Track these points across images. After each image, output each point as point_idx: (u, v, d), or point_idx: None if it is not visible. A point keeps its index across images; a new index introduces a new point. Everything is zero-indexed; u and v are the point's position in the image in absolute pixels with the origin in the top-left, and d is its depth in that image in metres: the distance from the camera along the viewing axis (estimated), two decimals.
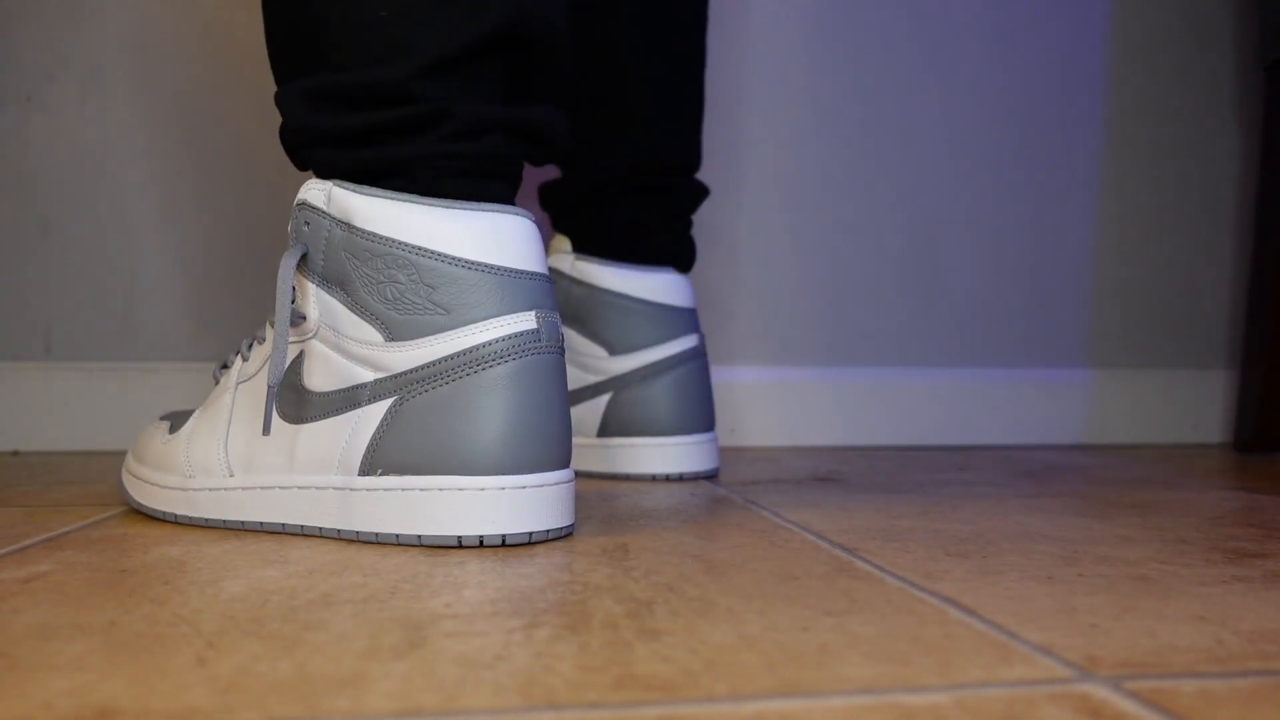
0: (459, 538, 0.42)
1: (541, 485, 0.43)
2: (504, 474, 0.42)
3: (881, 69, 0.96)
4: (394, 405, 0.43)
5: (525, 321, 0.43)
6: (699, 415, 0.69)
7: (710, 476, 0.69)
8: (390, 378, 0.43)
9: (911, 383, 0.97)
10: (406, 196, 0.43)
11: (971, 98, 0.98)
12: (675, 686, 0.26)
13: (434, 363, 0.42)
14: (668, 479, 0.67)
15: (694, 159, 0.72)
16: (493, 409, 0.42)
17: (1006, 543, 0.46)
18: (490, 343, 0.42)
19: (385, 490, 0.43)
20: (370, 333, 0.43)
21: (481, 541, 0.42)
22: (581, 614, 0.32)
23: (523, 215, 0.45)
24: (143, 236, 0.86)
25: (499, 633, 0.30)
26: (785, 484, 0.66)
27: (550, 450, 0.43)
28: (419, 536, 0.42)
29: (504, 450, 0.42)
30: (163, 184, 0.86)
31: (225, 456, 0.48)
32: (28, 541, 0.44)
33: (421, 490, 0.42)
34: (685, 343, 0.69)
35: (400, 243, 0.43)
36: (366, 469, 0.43)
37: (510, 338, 0.42)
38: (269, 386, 0.45)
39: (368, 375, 0.44)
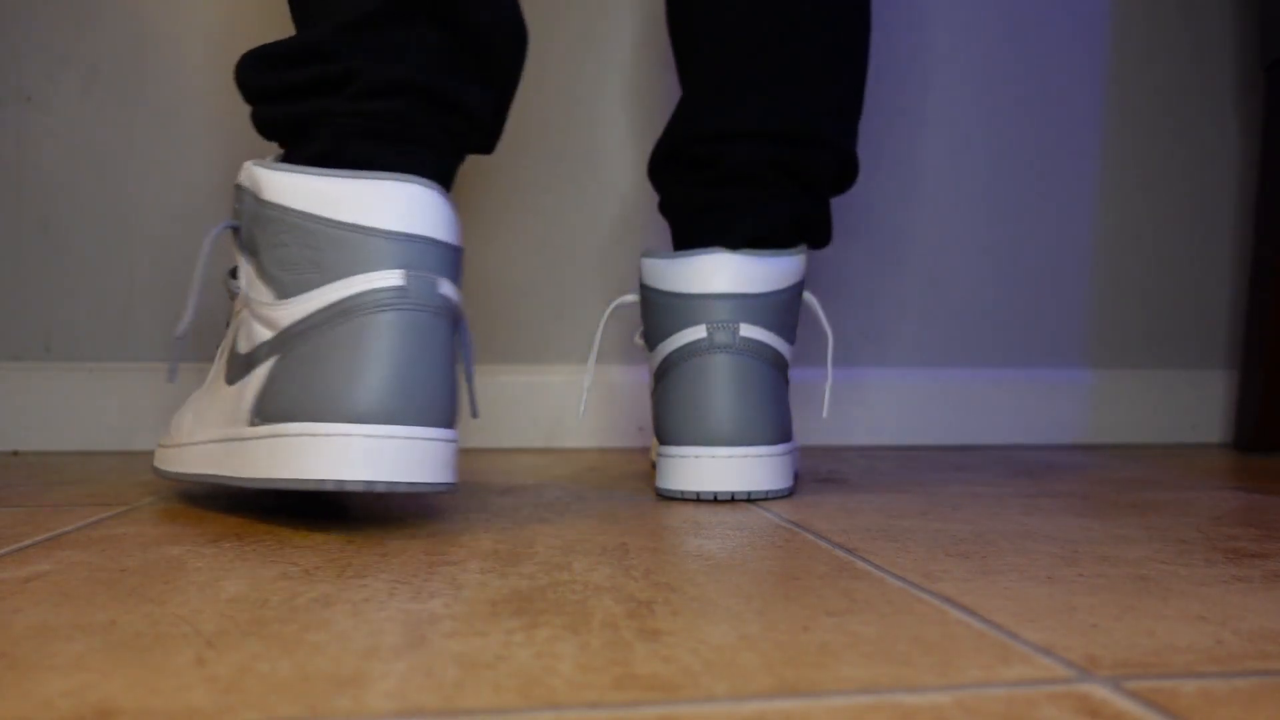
0: (319, 481, 0.43)
1: (392, 437, 0.44)
2: (369, 422, 0.43)
3: (881, 69, 0.96)
4: (278, 361, 0.46)
5: (390, 279, 0.44)
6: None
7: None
8: (277, 335, 0.46)
9: (912, 382, 0.97)
10: (304, 169, 0.46)
11: (971, 97, 0.98)
12: (675, 686, 0.26)
13: (305, 318, 0.45)
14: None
15: (747, 123, 0.61)
16: (342, 362, 0.44)
17: (1006, 543, 0.46)
18: (350, 298, 0.44)
19: (259, 439, 0.45)
20: (268, 294, 0.47)
21: (342, 487, 0.43)
22: (581, 614, 0.32)
23: (411, 180, 0.45)
24: (143, 236, 0.86)
25: (499, 633, 0.30)
26: None
27: (405, 404, 0.44)
28: (284, 480, 0.44)
29: (366, 398, 0.43)
30: (163, 184, 0.86)
31: (191, 417, 0.52)
32: (28, 541, 0.44)
33: (287, 437, 0.44)
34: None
35: (288, 209, 0.45)
36: (252, 420, 0.46)
37: (369, 293, 0.44)
38: (175, 338, 0.51)
39: (265, 335, 0.47)
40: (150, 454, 0.83)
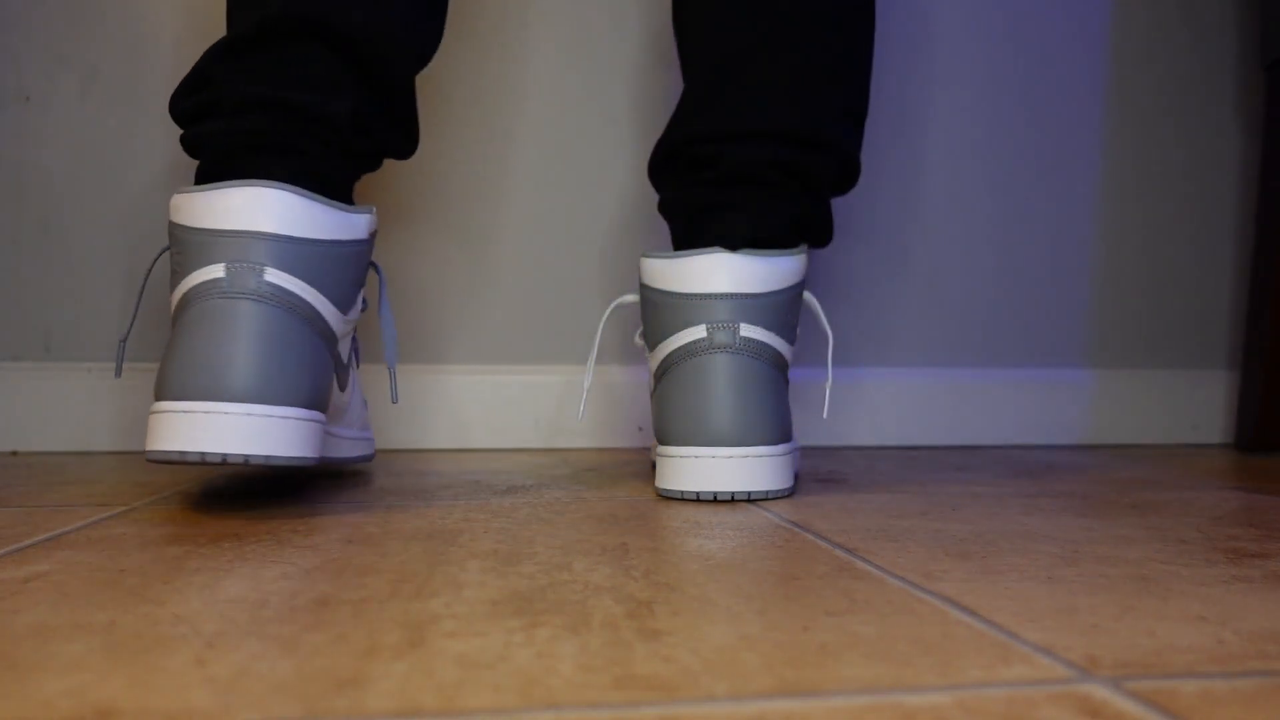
0: (152, 453, 0.48)
1: (198, 412, 0.48)
2: (170, 400, 0.48)
3: (881, 68, 0.96)
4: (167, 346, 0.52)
5: (213, 272, 0.50)
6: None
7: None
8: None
9: (912, 382, 0.97)
10: (184, 189, 0.52)
11: (971, 97, 0.98)
12: (675, 686, 0.26)
13: (173, 312, 0.52)
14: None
15: (741, 125, 0.61)
16: (174, 348, 0.49)
17: (1007, 543, 0.46)
18: (187, 292, 0.50)
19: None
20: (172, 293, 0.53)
21: (164, 459, 0.48)
22: (581, 614, 0.32)
23: (247, 184, 0.50)
24: (143, 236, 0.86)
25: (499, 633, 0.30)
26: None
27: (209, 381, 0.48)
28: (147, 454, 0.49)
29: (169, 381, 0.48)
30: (162, 184, 0.86)
31: None
32: (27, 541, 0.44)
33: (150, 415, 0.51)
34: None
35: (170, 222, 0.52)
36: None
37: (196, 287, 0.50)
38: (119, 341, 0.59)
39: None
40: None
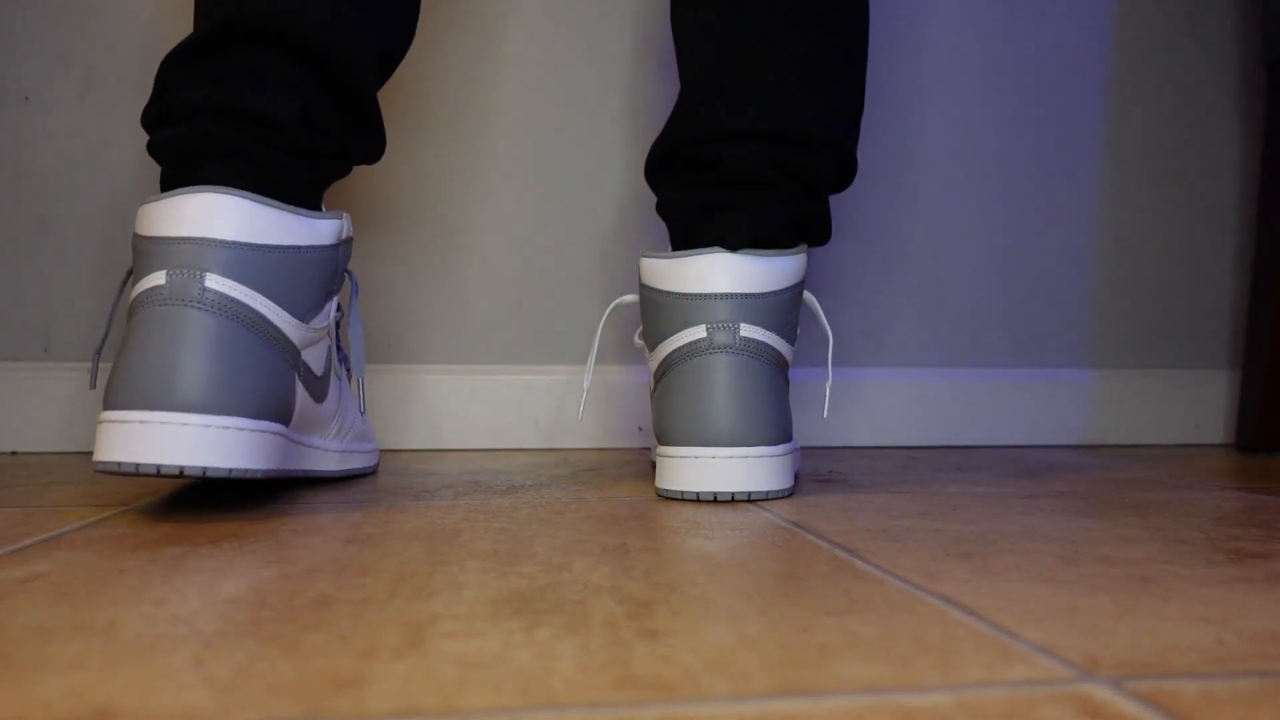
0: (97, 464, 0.48)
1: (135, 422, 0.47)
2: (114, 409, 0.48)
3: (881, 68, 0.96)
4: None
5: (155, 280, 0.49)
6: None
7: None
8: None
9: (912, 382, 0.97)
10: (153, 196, 0.52)
11: (971, 97, 0.98)
12: (675, 686, 0.26)
13: (128, 321, 0.51)
14: None
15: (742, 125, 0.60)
16: (120, 358, 0.49)
17: (1007, 543, 0.45)
18: (133, 301, 0.50)
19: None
20: None
21: (119, 468, 0.47)
22: (581, 614, 0.32)
23: (193, 190, 0.50)
24: None
25: (499, 633, 0.30)
26: None
27: (149, 392, 0.47)
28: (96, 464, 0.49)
29: (115, 391, 0.48)
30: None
31: None
32: (27, 541, 0.44)
33: (96, 422, 0.51)
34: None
35: (133, 233, 0.52)
36: None
37: (140, 295, 0.49)
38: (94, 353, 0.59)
39: None
40: None
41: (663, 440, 0.58)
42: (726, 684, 0.26)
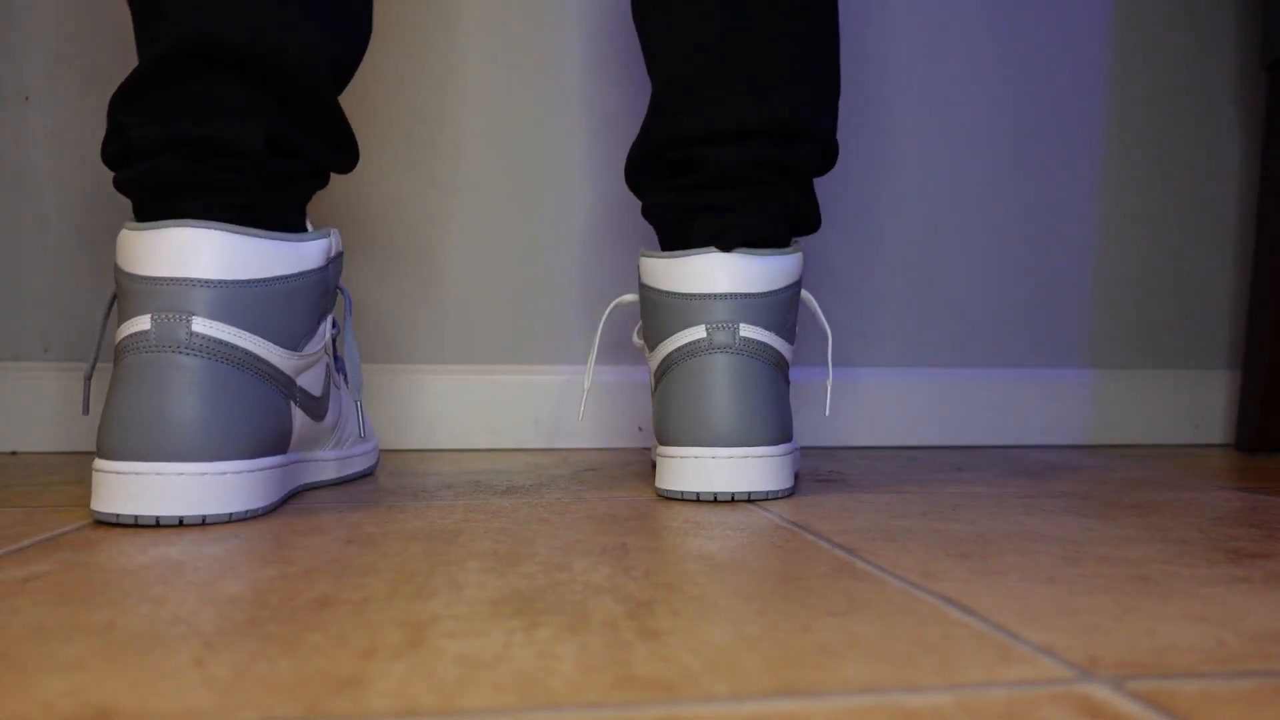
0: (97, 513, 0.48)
1: (136, 474, 0.47)
2: (109, 459, 0.47)
3: (881, 68, 0.96)
4: None
5: (140, 324, 0.48)
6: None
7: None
8: None
9: (911, 383, 0.97)
10: (132, 224, 0.50)
11: (972, 97, 0.98)
12: (675, 686, 0.26)
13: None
14: None
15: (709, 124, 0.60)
16: (111, 405, 0.48)
17: (1007, 543, 0.45)
18: (119, 344, 0.49)
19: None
20: None
21: (118, 519, 0.47)
22: (581, 614, 0.32)
23: (169, 225, 0.48)
24: None
25: (499, 633, 0.30)
26: None
27: (143, 442, 0.47)
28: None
29: (109, 439, 0.47)
30: None
31: None
32: (27, 541, 0.44)
33: (92, 469, 0.50)
34: None
35: (115, 264, 0.50)
36: None
37: (126, 339, 0.48)
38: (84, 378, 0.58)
39: None
40: None
41: (662, 440, 0.58)
42: (726, 684, 0.26)
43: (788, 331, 0.60)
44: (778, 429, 0.58)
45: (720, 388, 0.57)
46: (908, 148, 0.97)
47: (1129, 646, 0.29)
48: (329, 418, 0.61)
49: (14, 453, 0.83)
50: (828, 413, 0.63)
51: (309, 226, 0.56)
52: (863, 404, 0.96)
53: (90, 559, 0.40)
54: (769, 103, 0.60)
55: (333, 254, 0.55)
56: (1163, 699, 0.25)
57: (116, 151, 0.52)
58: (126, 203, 0.85)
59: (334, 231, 0.56)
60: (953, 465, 0.79)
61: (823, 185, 0.95)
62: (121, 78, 0.85)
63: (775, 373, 0.59)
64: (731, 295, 0.57)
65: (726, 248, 0.58)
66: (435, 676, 0.26)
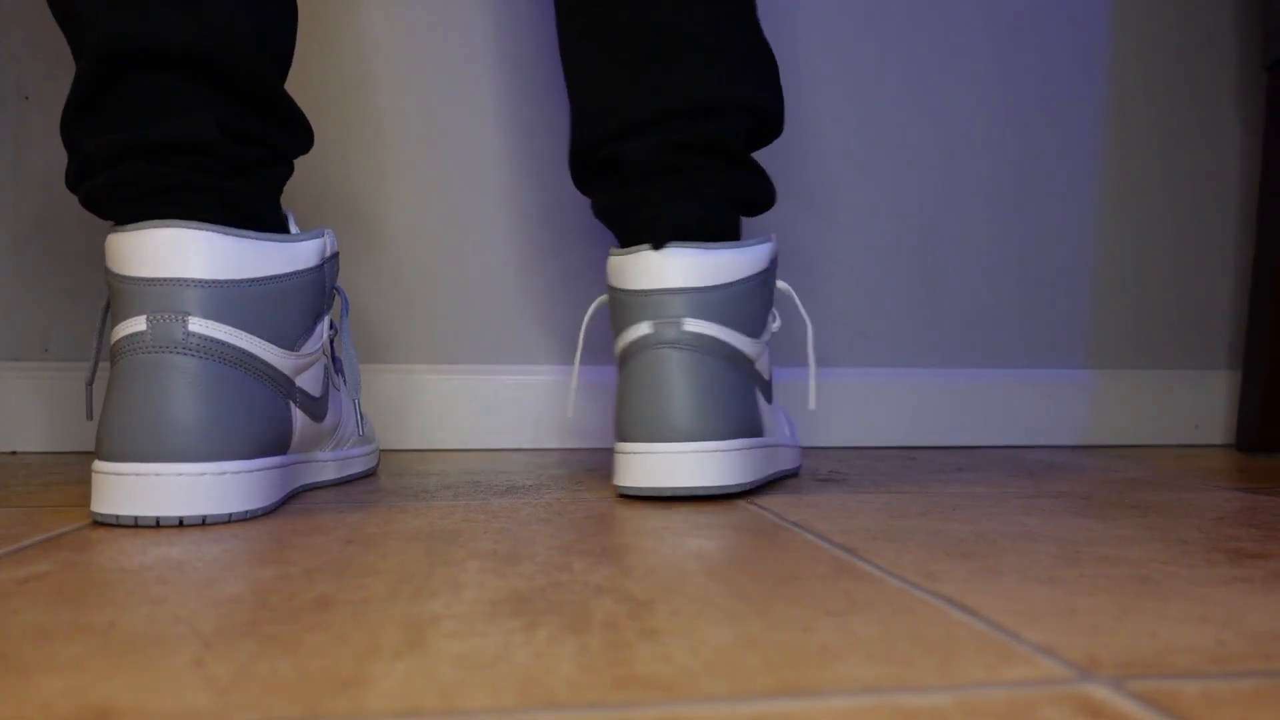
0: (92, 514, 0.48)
1: (135, 474, 0.47)
2: (108, 460, 0.47)
3: (881, 68, 0.96)
4: None
5: (135, 325, 0.48)
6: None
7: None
8: None
9: (911, 383, 0.97)
10: (120, 226, 0.50)
11: (971, 97, 0.98)
12: (675, 686, 0.26)
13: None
14: None
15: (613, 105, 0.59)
16: (109, 407, 0.48)
17: (1007, 543, 0.45)
18: (114, 345, 0.49)
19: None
20: None
21: (118, 520, 0.47)
22: (581, 614, 0.32)
23: (155, 225, 0.48)
24: None
25: (499, 633, 0.30)
26: (785, 484, 0.66)
27: (142, 443, 0.47)
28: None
29: (108, 440, 0.47)
30: None
31: None
32: (26, 541, 0.44)
33: (91, 470, 0.49)
34: None
35: (106, 266, 0.50)
36: None
37: (122, 340, 0.48)
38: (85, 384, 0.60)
39: None
40: None
41: (616, 437, 0.58)
42: (726, 684, 0.26)
43: (749, 325, 0.59)
44: (729, 423, 0.57)
45: (666, 383, 0.56)
46: (907, 148, 0.97)
47: (1129, 646, 0.29)
48: (329, 419, 0.61)
49: (14, 453, 0.83)
50: (813, 405, 0.63)
51: (292, 225, 0.56)
52: (863, 404, 0.96)
53: (90, 559, 0.40)
54: (675, 82, 0.57)
55: (328, 254, 0.55)
56: (1163, 699, 0.25)
57: (79, 169, 0.51)
58: None
59: (329, 231, 0.55)
60: (953, 465, 0.79)
61: (822, 185, 0.95)
62: None
63: (730, 367, 0.57)
64: (677, 290, 0.56)
65: (658, 242, 0.57)
66: (435, 676, 0.26)
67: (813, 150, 0.95)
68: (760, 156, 0.93)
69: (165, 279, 0.48)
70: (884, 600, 0.35)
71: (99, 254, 0.85)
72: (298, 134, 0.57)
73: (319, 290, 0.54)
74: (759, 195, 0.61)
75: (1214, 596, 0.36)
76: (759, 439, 0.60)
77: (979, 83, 0.98)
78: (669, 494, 0.56)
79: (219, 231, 0.48)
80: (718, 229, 0.59)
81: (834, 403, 0.95)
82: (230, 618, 0.31)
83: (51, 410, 0.84)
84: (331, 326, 0.58)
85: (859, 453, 0.89)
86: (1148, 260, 1.02)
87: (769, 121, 0.61)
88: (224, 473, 0.48)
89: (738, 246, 0.58)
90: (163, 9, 0.49)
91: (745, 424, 0.58)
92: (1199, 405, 1.02)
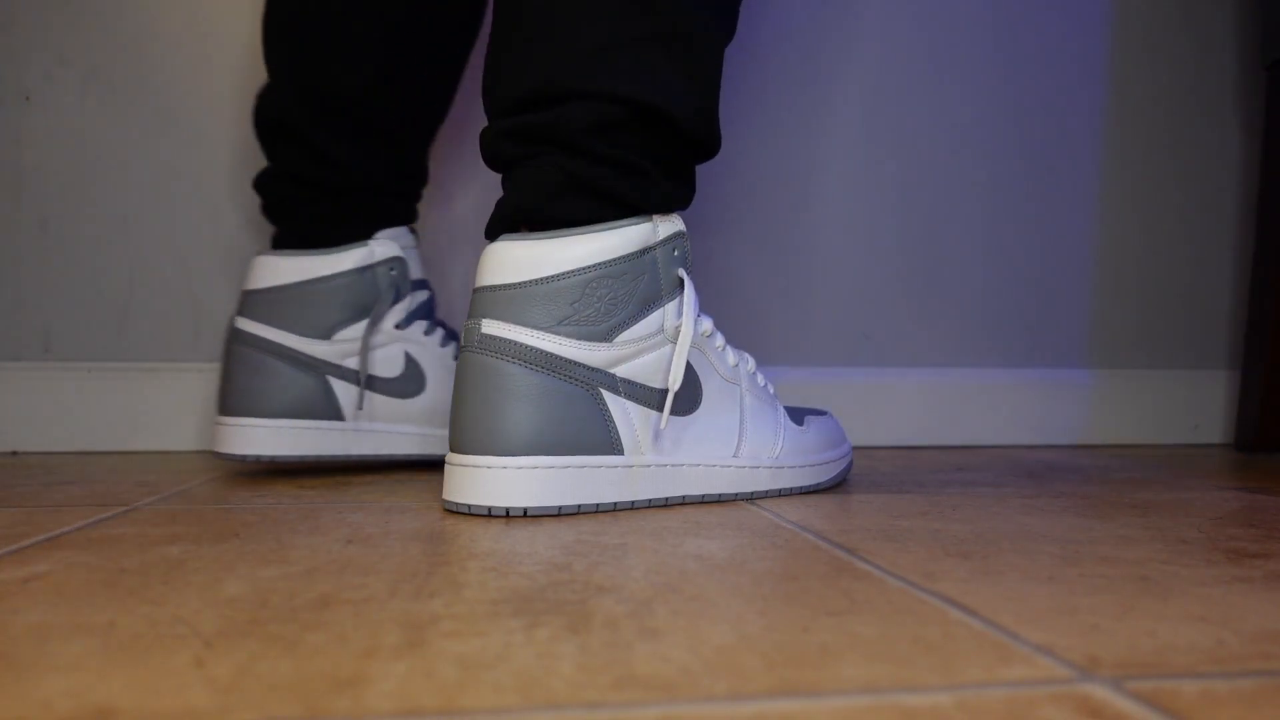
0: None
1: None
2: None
3: (881, 68, 0.96)
4: None
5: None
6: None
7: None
8: None
9: (911, 383, 0.97)
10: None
11: (972, 97, 0.98)
12: (675, 686, 0.26)
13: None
14: None
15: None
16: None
17: (1007, 543, 0.46)
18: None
19: None
20: None
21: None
22: (581, 614, 0.32)
23: (264, 253, 0.71)
24: (142, 236, 0.86)
25: (499, 633, 0.30)
26: None
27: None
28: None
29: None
30: (162, 184, 0.86)
31: None
32: (27, 541, 0.44)
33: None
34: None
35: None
36: None
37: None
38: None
39: None
40: (150, 454, 0.83)
41: None
42: (726, 684, 0.26)
43: (571, 326, 0.51)
44: (523, 438, 0.50)
45: (460, 391, 0.51)
46: (907, 148, 0.97)
47: (1129, 646, 0.30)
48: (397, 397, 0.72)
49: (14, 453, 0.83)
50: (663, 426, 0.53)
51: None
52: (863, 404, 0.96)
53: (90, 559, 0.40)
54: (525, 69, 0.54)
55: (360, 263, 0.71)
56: (1163, 699, 0.25)
57: (260, 181, 0.73)
58: (125, 204, 0.85)
59: (377, 238, 0.72)
60: (953, 465, 0.79)
61: (822, 186, 0.95)
62: (121, 77, 0.85)
63: (535, 374, 0.50)
64: (485, 288, 0.52)
65: (489, 236, 0.54)
66: (435, 676, 0.26)
67: (811, 150, 0.95)
68: (759, 156, 0.93)
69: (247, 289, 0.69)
70: (884, 600, 0.35)
71: (99, 254, 0.85)
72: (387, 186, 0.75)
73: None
74: (604, 193, 0.53)
75: (1213, 596, 0.36)
76: (590, 458, 0.52)
77: (980, 83, 0.98)
78: (464, 510, 0.51)
79: (279, 254, 0.69)
80: (566, 219, 0.53)
81: (834, 402, 0.95)
82: (230, 617, 0.31)
83: (51, 410, 0.84)
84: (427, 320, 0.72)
85: (859, 453, 0.89)
86: (1148, 260, 1.02)
87: (609, 117, 0.53)
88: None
89: (569, 234, 0.51)
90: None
91: (546, 438, 0.50)
92: (1198, 405, 1.02)
